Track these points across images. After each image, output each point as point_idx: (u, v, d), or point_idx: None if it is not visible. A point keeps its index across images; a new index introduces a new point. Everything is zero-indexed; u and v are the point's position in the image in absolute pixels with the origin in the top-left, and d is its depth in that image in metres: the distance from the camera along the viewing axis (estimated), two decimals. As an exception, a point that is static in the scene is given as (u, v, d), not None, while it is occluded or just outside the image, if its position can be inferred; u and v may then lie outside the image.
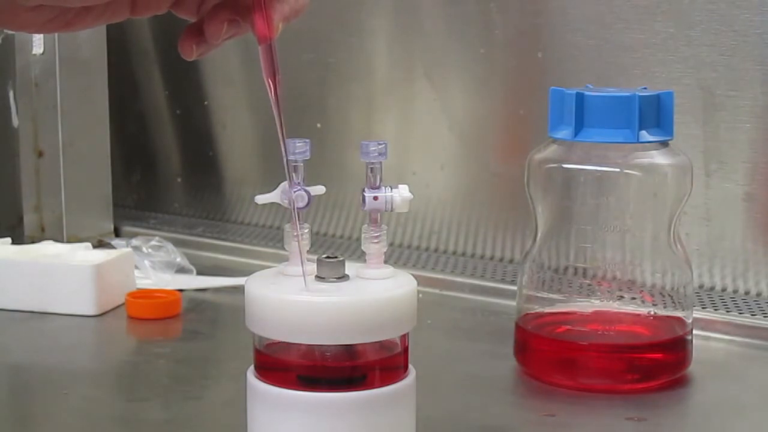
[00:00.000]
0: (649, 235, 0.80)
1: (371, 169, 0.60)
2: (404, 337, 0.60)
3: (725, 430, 0.75)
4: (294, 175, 0.60)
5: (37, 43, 1.14)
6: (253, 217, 1.25)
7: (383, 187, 0.60)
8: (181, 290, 0.98)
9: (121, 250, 1.01)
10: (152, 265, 1.03)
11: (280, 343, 0.59)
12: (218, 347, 0.91)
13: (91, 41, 1.17)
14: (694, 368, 0.80)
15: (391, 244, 1.12)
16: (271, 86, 0.58)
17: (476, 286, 1.02)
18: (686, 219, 0.97)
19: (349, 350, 0.59)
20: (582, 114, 0.77)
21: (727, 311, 0.92)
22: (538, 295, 0.81)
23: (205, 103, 1.27)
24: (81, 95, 1.17)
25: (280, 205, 0.60)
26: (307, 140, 0.60)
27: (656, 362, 0.79)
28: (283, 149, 0.59)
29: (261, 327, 0.59)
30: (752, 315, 0.92)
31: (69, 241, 1.10)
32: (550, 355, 0.79)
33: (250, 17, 0.57)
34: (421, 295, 0.61)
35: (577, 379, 0.78)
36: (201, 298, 1.01)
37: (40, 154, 1.16)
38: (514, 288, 0.84)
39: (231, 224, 1.26)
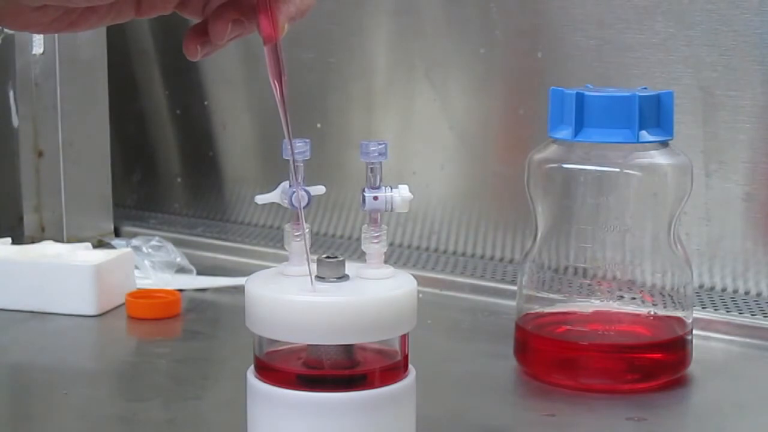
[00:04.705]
0: (649, 235, 0.80)
1: (371, 169, 0.60)
2: (404, 337, 0.60)
3: (725, 430, 0.75)
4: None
5: (37, 43, 1.14)
6: (253, 217, 1.25)
7: (383, 187, 0.60)
8: (181, 290, 0.98)
9: (121, 250, 1.01)
10: (152, 265, 1.03)
11: (280, 342, 0.59)
12: (218, 347, 0.90)
13: (91, 41, 1.17)
14: (694, 368, 0.80)
15: (391, 244, 1.12)
16: (277, 87, 0.58)
17: (476, 286, 1.02)
18: (686, 219, 0.97)
19: (349, 350, 0.59)
20: (582, 114, 0.77)
21: (727, 311, 0.92)
22: (538, 295, 0.81)
23: (205, 103, 1.27)
24: (81, 95, 1.17)
25: (280, 205, 0.60)
26: (307, 140, 0.60)
27: (656, 362, 0.79)
28: (290, 149, 0.59)
29: (261, 327, 0.59)
30: (752, 315, 0.92)
31: (69, 241, 1.10)
32: (550, 355, 0.79)
33: (255, 17, 0.57)
34: (421, 295, 0.61)
35: (577, 379, 0.78)
36: (201, 298, 1.01)
37: (40, 154, 1.16)
38: (514, 288, 0.84)
39: (231, 224, 1.26)
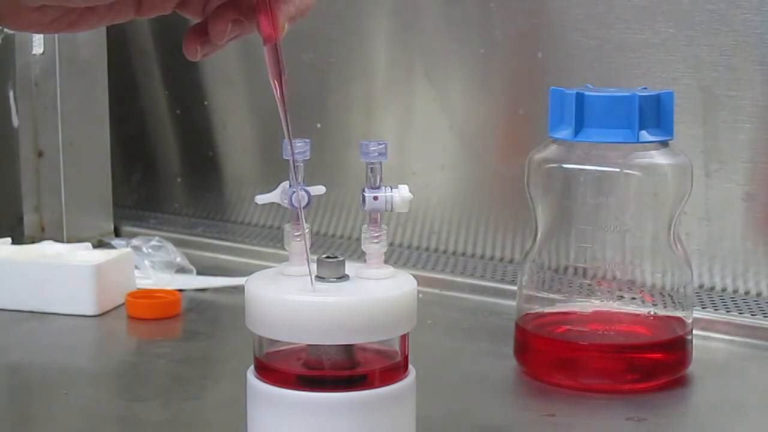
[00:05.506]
0: (649, 235, 0.80)
1: (371, 169, 0.60)
2: (404, 337, 0.60)
3: (725, 430, 0.75)
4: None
5: (37, 43, 1.14)
6: (253, 217, 1.25)
7: (383, 187, 0.60)
8: (181, 290, 0.98)
9: (121, 250, 1.01)
10: (152, 265, 1.03)
11: (280, 342, 0.59)
12: (218, 347, 0.91)
13: (91, 41, 1.17)
14: (694, 368, 0.80)
15: (391, 244, 1.12)
16: (277, 87, 0.58)
17: (476, 286, 1.02)
18: (686, 219, 0.97)
19: (349, 350, 0.59)
20: (582, 114, 0.77)
21: (727, 311, 0.92)
22: (538, 295, 0.81)
23: (205, 103, 1.27)
24: (81, 95, 1.17)
25: (280, 205, 0.60)
26: (307, 140, 0.60)
27: (656, 362, 0.79)
28: (290, 149, 0.59)
29: (261, 327, 0.59)
30: (752, 315, 0.92)
31: (69, 241, 1.10)
32: (550, 355, 0.79)
33: (255, 17, 0.57)
34: (421, 295, 0.61)
35: (577, 379, 0.78)
36: (201, 298, 1.01)
37: (40, 154, 1.16)
38: (514, 288, 0.84)
39: (231, 224, 1.26)
